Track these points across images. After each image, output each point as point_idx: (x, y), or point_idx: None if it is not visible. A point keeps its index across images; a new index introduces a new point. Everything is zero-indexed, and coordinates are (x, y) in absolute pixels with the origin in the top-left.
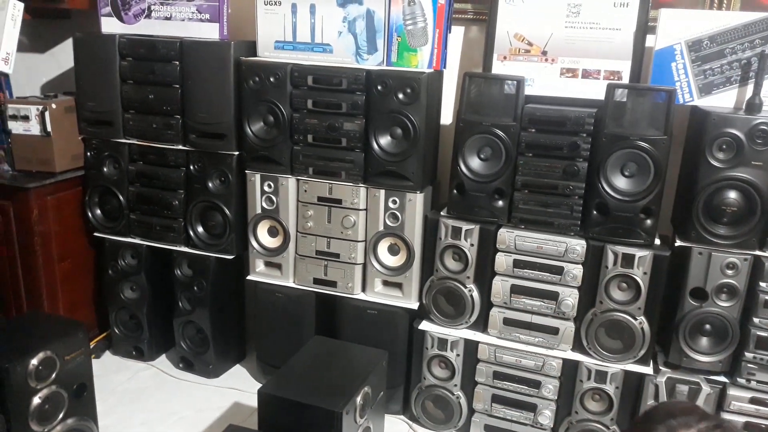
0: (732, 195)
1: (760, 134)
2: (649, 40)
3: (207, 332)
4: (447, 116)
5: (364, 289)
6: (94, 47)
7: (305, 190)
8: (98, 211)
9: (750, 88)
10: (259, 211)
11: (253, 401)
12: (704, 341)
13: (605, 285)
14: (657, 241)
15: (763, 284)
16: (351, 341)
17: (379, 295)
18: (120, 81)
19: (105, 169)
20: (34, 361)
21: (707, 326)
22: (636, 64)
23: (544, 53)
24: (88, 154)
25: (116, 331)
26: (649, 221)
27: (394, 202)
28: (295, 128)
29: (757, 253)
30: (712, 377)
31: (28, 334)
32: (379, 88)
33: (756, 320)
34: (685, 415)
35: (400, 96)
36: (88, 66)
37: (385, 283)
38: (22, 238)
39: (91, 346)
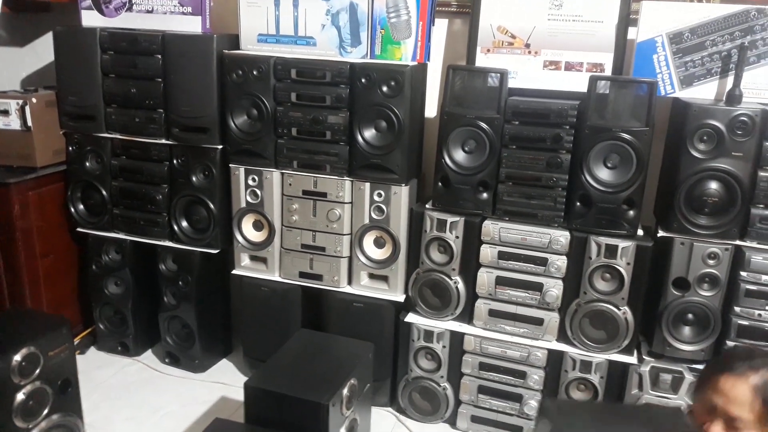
0: (713, 186)
1: (740, 125)
2: (631, 33)
3: (192, 327)
4: (431, 109)
5: (350, 282)
6: (75, 41)
7: (290, 184)
8: (81, 206)
9: (730, 80)
10: (243, 205)
11: (239, 395)
12: (687, 330)
13: (589, 276)
14: (640, 232)
15: (743, 273)
16: (337, 334)
17: (365, 288)
18: (102, 75)
19: (87, 164)
20: (17, 357)
21: (689, 315)
22: (618, 57)
23: (528, 46)
24: (70, 148)
25: (101, 326)
26: (631, 212)
27: (380, 195)
28: (279, 121)
29: (738, 242)
30: (694, 366)
31: (11, 330)
32: (363, 81)
33: (737, 309)
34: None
35: (384, 89)
36: (69, 60)
37: (371, 276)
38: (3, 233)
39: (76, 342)
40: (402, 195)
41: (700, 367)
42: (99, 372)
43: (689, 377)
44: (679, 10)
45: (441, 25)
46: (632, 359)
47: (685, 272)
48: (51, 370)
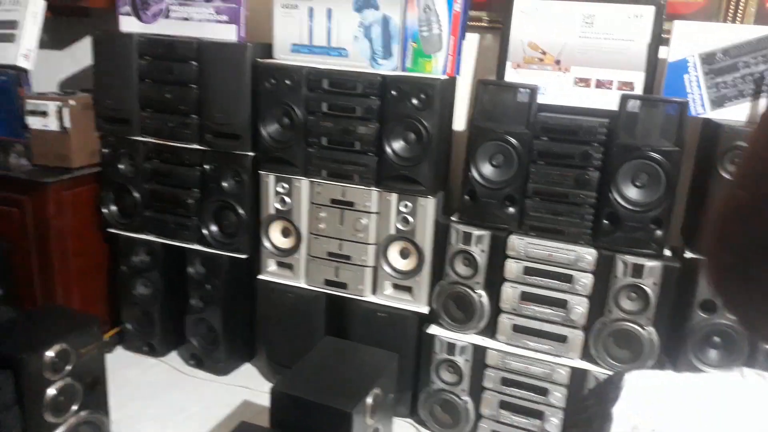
0: None
1: None
2: (663, 52)
3: (218, 330)
4: (459, 122)
5: (374, 292)
6: (113, 46)
7: (318, 192)
8: (113, 208)
9: (763, 102)
10: (272, 211)
11: (261, 399)
12: (713, 353)
13: (615, 294)
14: (667, 252)
15: None
16: (360, 343)
17: (389, 298)
18: (138, 80)
19: (121, 166)
20: (50, 353)
21: (716, 338)
22: (649, 76)
23: (558, 62)
24: (105, 150)
25: (128, 326)
26: (659, 232)
27: (406, 206)
28: (309, 131)
29: None
30: None
31: (44, 326)
32: (393, 93)
33: None
34: None
35: (414, 101)
36: (107, 64)
37: (396, 287)
38: (38, 232)
39: (104, 341)
40: (428, 207)
41: None
42: (125, 371)
43: None
44: (712, 30)
45: (472, 40)
46: None
47: (712, 294)
48: (81, 367)
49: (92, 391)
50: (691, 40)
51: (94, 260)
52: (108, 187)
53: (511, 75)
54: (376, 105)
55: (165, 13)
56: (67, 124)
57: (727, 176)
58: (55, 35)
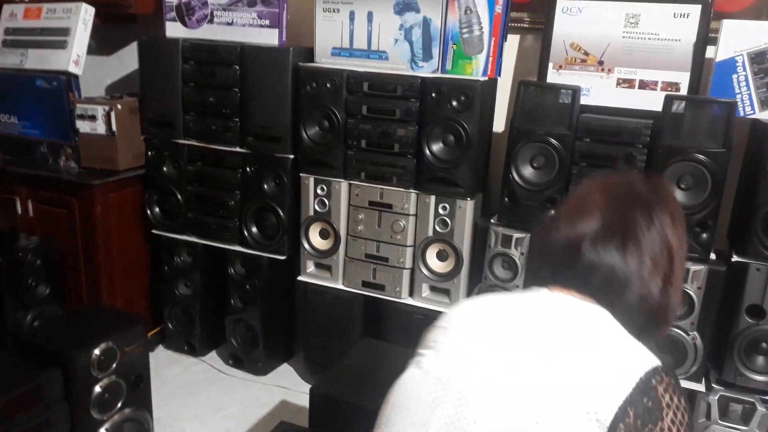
0: None
1: None
2: (709, 52)
3: (257, 330)
4: (499, 124)
5: (411, 294)
6: (158, 50)
7: (357, 194)
8: (157, 209)
9: None
10: (311, 213)
11: (299, 400)
12: (760, 360)
13: None
14: (712, 256)
15: None
16: (397, 344)
17: (426, 300)
18: (182, 83)
19: (165, 169)
20: (97, 351)
21: (764, 345)
22: (695, 76)
23: (601, 63)
24: (149, 153)
25: (170, 326)
26: (705, 235)
27: (444, 208)
28: (349, 133)
29: None
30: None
31: (91, 325)
32: (433, 95)
33: None
34: None
35: (454, 103)
36: (152, 68)
37: (433, 289)
38: (85, 233)
39: None
40: (467, 209)
41: None
42: (166, 370)
43: (762, 409)
44: (762, 29)
45: (513, 41)
46: (700, 387)
47: (760, 299)
48: (126, 365)
49: (136, 388)
50: (740, 39)
51: (138, 260)
52: (152, 189)
53: (553, 76)
54: (415, 107)
55: (209, 18)
56: (114, 127)
57: None
58: (103, 41)
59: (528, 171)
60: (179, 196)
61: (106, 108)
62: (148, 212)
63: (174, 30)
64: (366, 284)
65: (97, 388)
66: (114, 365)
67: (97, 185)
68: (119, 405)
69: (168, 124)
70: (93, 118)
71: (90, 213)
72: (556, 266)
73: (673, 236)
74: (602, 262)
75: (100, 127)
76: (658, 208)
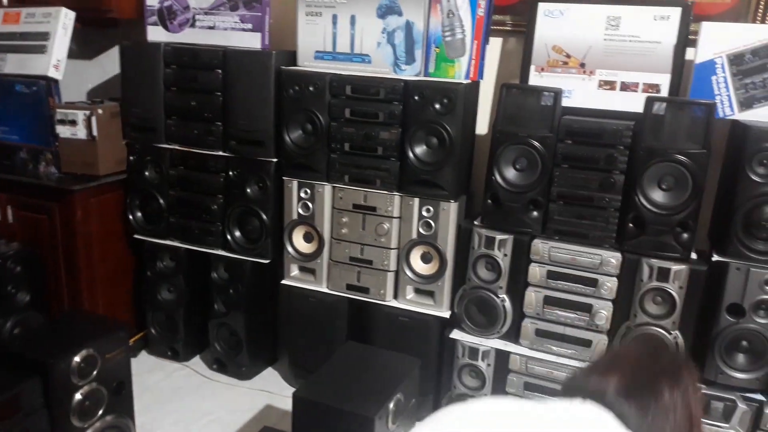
0: None
1: None
2: (689, 54)
3: (241, 335)
4: (482, 126)
5: (396, 297)
6: (140, 55)
7: (341, 197)
8: (139, 214)
9: None
10: (295, 216)
11: (284, 404)
12: (741, 358)
13: (640, 298)
14: (693, 256)
15: None
16: (382, 348)
17: (411, 302)
18: (164, 88)
19: (147, 173)
20: (77, 359)
21: (744, 343)
22: (675, 78)
23: (583, 65)
24: (131, 158)
25: (153, 331)
26: (685, 235)
27: (428, 210)
28: (332, 137)
29: None
30: (748, 395)
31: (72, 332)
32: (416, 98)
33: None
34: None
35: (437, 106)
36: (134, 73)
37: (417, 291)
38: (65, 238)
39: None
40: (450, 211)
41: (755, 396)
42: (149, 375)
43: (742, 406)
44: (740, 31)
45: (495, 44)
46: None
47: (740, 298)
48: (107, 372)
49: (118, 395)
50: (719, 41)
51: (120, 266)
52: (134, 194)
53: (535, 79)
54: (398, 110)
55: (191, 22)
56: (95, 132)
57: (756, 178)
58: (84, 45)
59: (511, 173)
60: (161, 201)
61: (87, 113)
62: (130, 217)
63: (156, 34)
64: (350, 287)
65: (78, 396)
66: (95, 372)
67: (77, 191)
68: (100, 412)
69: (150, 128)
70: (73, 122)
71: (71, 219)
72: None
73: (695, 406)
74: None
75: (81, 132)
76: (683, 376)
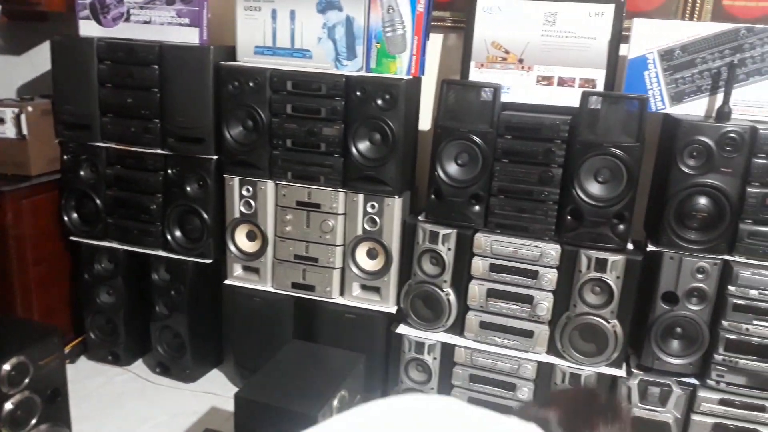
0: (702, 201)
1: (729, 142)
2: (623, 49)
3: (184, 337)
4: (425, 122)
5: (342, 293)
6: (72, 50)
7: (284, 195)
8: (75, 215)
9: (720, 97)
10: (237, 215)
11: (230, 405)
12: (675, 344)
13: (579, 289)
14: (630, 246)
15: (731, 288)
16: (329, 345)
17: (357, 299)
18: (98, 84)
19: (82, 173)
20: (6, 366)
21: (678, 329)
22: (610, 73)
23: (521, 61)
24: (65, 157)
25: (92, 335)
26: (621, 226)
27: (373, 206)
28: (274, 133)
29: (726, 257)
30: (683, 379)
31: (1, 338)
32: (358, 93)
33: (725, 323)
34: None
35: (379, 102)
36: (66, 69)
37: (364, 287)
38: None
39: (66, 352)
40: (395, 207)
41: (689, 380)
42: (89, 382)
43: (677, 390)
44: (670, 27)
45: (436, 40)
46: (621, 372)
47: (674, 286)
48: (40, 379)
49: (53, 403)
50: (650, 38)
51: (56, 269)
52: (69, 194)
53: (475, 74)
54: (340, 106)
55: (125, 16)
56: (25, 131)
57: (686, 170)
58: (12, 40)
59: (453, 168)
60: (98, 201)
61: (16, 110)
62: (65, 218)
63: (88, 29)
64: (296, 285)
65: (8, 405)
66: (27, 380)
67: (7, 192)
68: (34, 421)
69: (84, 126)
70: (1, 121)
71: (1, 221)
72: None
73: None
74: None
75: (10, 131)
76: (621, 416)
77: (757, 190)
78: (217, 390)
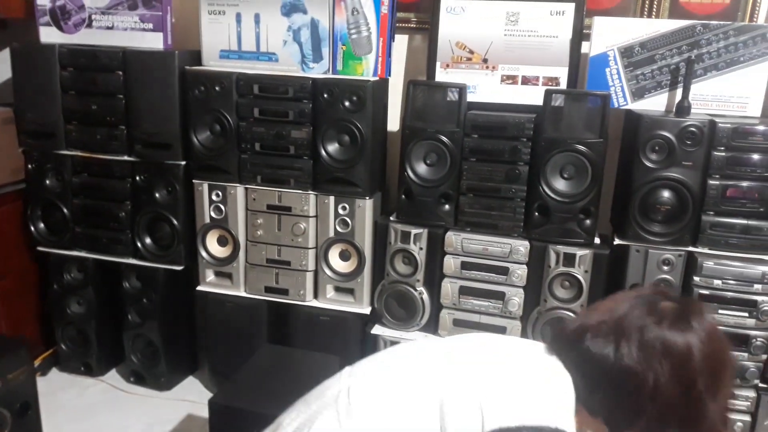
0: (665, 194)
1: (689, 136)
2: (585, 47)
3: (158, 345)
4: (394, 123)
5: (316, 296)
6: (33, 57)
7: (254, 199)
8: (41, 225)
9: (679, 92)
10: (207, 220)
11: (205, 412)
12: None
13: (549, 284)
14: (597, 241)
15: (696, 279)
16: (304, 348)
17: (331, 301)
18: (61, 92)
19: (47, 182)
20: None
21: None
22: (572, 71)
23: (485, 61)
24: (29, 166)
25: (63, 347)
26: (588, 221)
27: (344, 208)
28: (242, 137)
29: (690, 249)
30: None
31: None
32: (325, 96)
33: None
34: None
35: (347, 104)
36: (27, 76)
37: (337, 289)
38: None
39: (37, 364)
40: (366, 208)
41: None
42: (61, 394)
43: None
44: (629, 25)
45: (401, 41)
46: None
47: (641, 279)
48: (9, 393)
49: (23, 417)
50: (611, 35)
51: (23, 280)
52: (35, 204)
53: (441, 75)
54: (308, 108)
55: (87, 22)
56: None
57: (649, 164)
58: None
59: (422, 168)
60: (65, 210)
61: None
62: (32, 228)
63: (49, 35)
64: (269, 290)
65: None
66: None
67: None
68: None
69: (48, 134)
70: None
71: None
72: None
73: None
74: (596, 352)
75: None
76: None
77: (717, 182)
78: (192, 397)
